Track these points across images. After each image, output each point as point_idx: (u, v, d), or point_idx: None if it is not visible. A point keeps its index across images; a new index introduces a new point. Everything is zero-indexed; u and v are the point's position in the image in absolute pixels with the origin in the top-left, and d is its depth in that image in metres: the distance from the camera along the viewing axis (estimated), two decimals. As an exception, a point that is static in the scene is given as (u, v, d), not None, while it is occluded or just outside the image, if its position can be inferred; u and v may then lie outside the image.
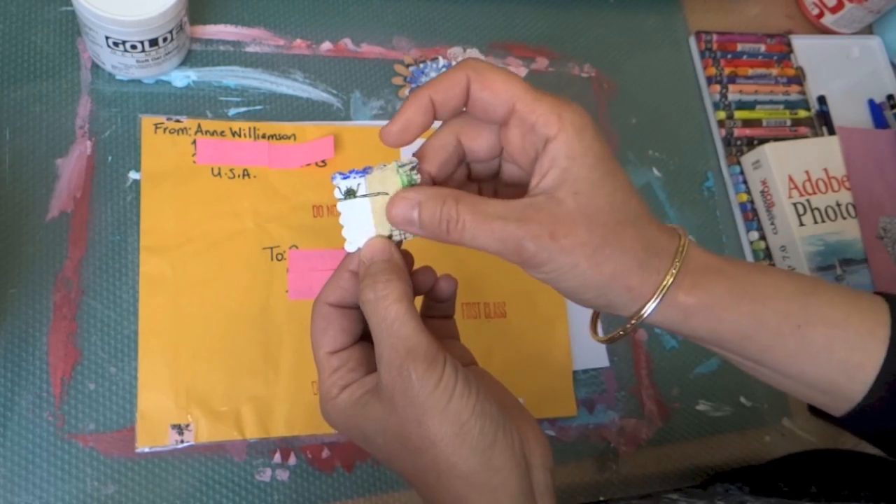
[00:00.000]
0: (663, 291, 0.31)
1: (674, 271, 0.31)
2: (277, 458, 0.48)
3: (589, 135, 0.30)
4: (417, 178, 0.32)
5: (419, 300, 0.36)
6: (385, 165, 0.32)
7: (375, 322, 0.30)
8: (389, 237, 0.33)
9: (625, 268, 0.30)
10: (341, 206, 0.33)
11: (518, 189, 0.33)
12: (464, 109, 0.33)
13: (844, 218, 0.64)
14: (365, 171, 0.33)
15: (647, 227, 0.31)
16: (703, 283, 0.32)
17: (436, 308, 0.37)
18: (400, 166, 0.32)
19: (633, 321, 0.32)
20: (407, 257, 0.34)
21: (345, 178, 0.33)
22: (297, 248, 0.52)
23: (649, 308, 0.31)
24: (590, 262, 0.30)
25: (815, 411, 0.37)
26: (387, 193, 0.32)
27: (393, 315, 0.30)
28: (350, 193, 0.33)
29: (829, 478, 0.50)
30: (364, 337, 0.34)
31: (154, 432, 0.46)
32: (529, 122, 0.31)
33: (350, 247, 0.33)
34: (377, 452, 0.33)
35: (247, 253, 0.51)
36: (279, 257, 0.51)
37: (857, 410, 0.33)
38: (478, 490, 0.29)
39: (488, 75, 0.31)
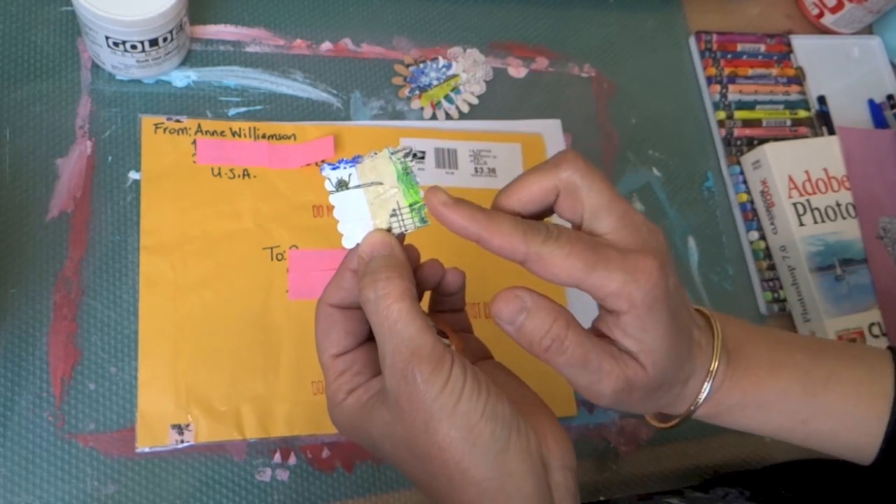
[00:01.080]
0: (707, 394, 0.34)
1: (700, 399, 0.33)
2: (277, 458, 0.48)
3: (659, 307, 0.30)
4: (412, 164, 0.31)
5: (427, 294, 0.36)
6: (376, 153, 0.31)
7: (377, 323, 0.29)
8: (389, 229, 0.31)
9: (666, 400, 0.33)
10: (334, 199, 0.31)
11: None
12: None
13: (844, 218, 0.64)
14: (355, 161, 0.31)
15: (689, 363, 0.33)
16: (714, 401, 0.34)
17: (445, 302, 0.36)
18: (392, 153, 0.31)
19: (685, 415, 0.35)
20: (412, 251, 0.33)
21: (334, 169, 0.31)
22: (297, 248, 0.52)
23: (700, 402, 0.34)
24: (643, 407, 0.33)
25: None
26: (381, 183, 0.31)
27: (395, 315, 0.28)
28: (342, 185, 0.31)
29: (830, 485, 0.49)
30: (370, 338, 0.33)
31: (154, 432, 0.46)
32: (598, 297, 0.30)
33: (347, 242, 0.31)
34: (386, 458, 0.32)
35: (247, 253, 0.51)
36: (279, 257, 0.51)
37: (875, 466, 0.35)
38: (491, 496, 0.28)
39: (549, 261, 0.29)
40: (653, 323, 0.30)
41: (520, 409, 0.30)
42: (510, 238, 0.29)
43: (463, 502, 0.29)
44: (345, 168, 0.31)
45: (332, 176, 0.31)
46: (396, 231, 0.31)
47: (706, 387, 0.33)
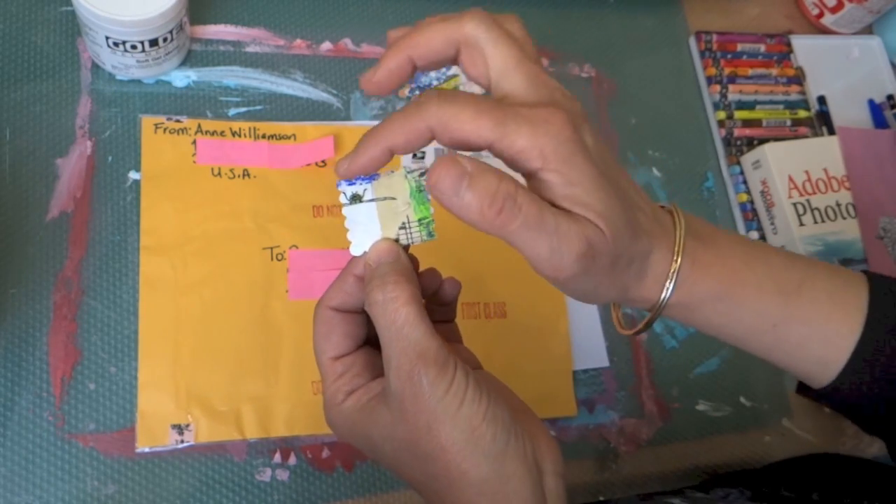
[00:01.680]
0: (661, 305, 0.32)
1: (669, 284, 0.32)
2: (277, 458, 0.48)
3: (578, 158, 0.28)
4: (425, 182, 0.31)
5: None
6: (392, 172, 0.32)
7: (384, 325, 0.29)
8: (396, 240, 0.32)
9: (622, 284, 0.31)
10: (346, 211, 0.32)
11: None
12: None
13: (844, 218, 0.64)
14: (371, 178, 0.32)
15: (640, 210, 0.31)
16: (687, 285, 0.32)
17: (437, 312, 0.36)
18: (408, 172, 0.31)
19: (640, 326, 0.34)
20: (413, 261, 0.33)
21: (350, 185, 0.32)
22: (297, 248, 0.52)
23: (665, 296, 0.32)
24: (604, 277, 0.30)
25: (801, 390, 0.38)
26: (394, 198, 0.32)
27: (403, 318, 0.29)
28: (356, 199, 0.32)
29: (831, 483, 0.49)
30: (368, 342, 0.34)
31: (154, 432, 0.46)
32: (509, 156, 0.28)
33: (355, 250, 0.32)
34: (384, 459, 0.32)
35: (247, 253, 0.51)
36: (279, 257, 0.51)
37: (829, 389, 0.34)
38: (489, 498, 0.29)
39: (452, 125, 0.28)
40: (577, 175, 0.28)
41: (514, 416, 0.31)
42: (416, 122, 0.29)
43: (462, 502, 0.29)
44: (361, 184, 0.32)
45: (347, 191, 0.32)
46: (404, 242, 0.32)
47: (675, 263, 0.31)
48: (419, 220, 0.32)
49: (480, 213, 0.27)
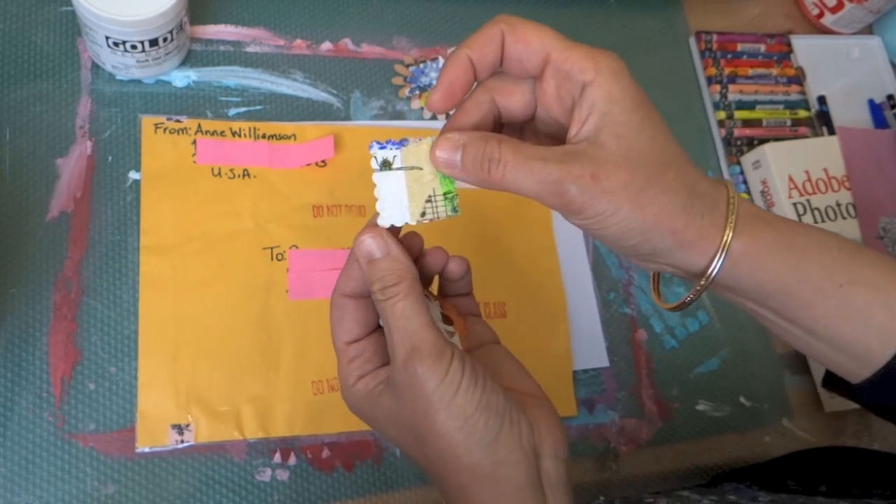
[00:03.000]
0: (726, 248, 0.31)
1: (732, 219, 0.31)
2: (277, 458, 0.48)
3: (626, 78, 0.30)
4: None
5: (435, 280, 0.37)
6: (421, 139, 0.32)
7: (385, 318, 0.31)
8: (423, 213, 0.33)
9: (669, 210, 0.30)
10: (377, 178, 0.32)
11: (556, 143, 0.33)
12: (499, 70, 0.33)
13: (844, 218, 0.64)
14: (402, 143, 0.32)
15: (688, 169, 0.31)
16: (750, 230, 0.31)
17: (452, 287, 0.37)
18: (437, 138, 0.32)
19: (703, 282, 0.32)
20: (415, 239, 0.35)
21: (382, 148, 0.32)
22: (297, 248, 0.52)
23: (717, 265, 0.31)
24: (633, 204, 0.29)
25: (829, 383, 0.37)
26: (421, 168, 0.32)
27: (399, 311, 0.30)
28: (386, 165, 0.33)
29: (838, 475, 0.49)
30: (380, 326, 0.35)
31: (154, 432, 0.46)
32: (564, 70, 0.30)
33: (383, 221, 0.33)
34: (391, 439, 0.33)
35: (247, 253, 0.51)
36: (279, 257, 0.51)
37: (877, 376, 0.33)
38: (481, 482, 0.30)
39: (521, 27, 0.31)
40: (619, 91, 0.30)
41: (517, 399, 0.32)
42: (490, 27, 0.31)
43: (455, 485, 0.30)
44: (391, 149, 0.32)
45: (378, 154, 0.32)
46: (429, 217, 0.33)
47: (733, 200, 0.31)
48: (444, 194, 0.33)
49: (476, 176, 0.31)
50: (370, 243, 0.32)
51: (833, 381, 0.37)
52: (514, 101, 0.33)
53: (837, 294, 0.32)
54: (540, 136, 0.35)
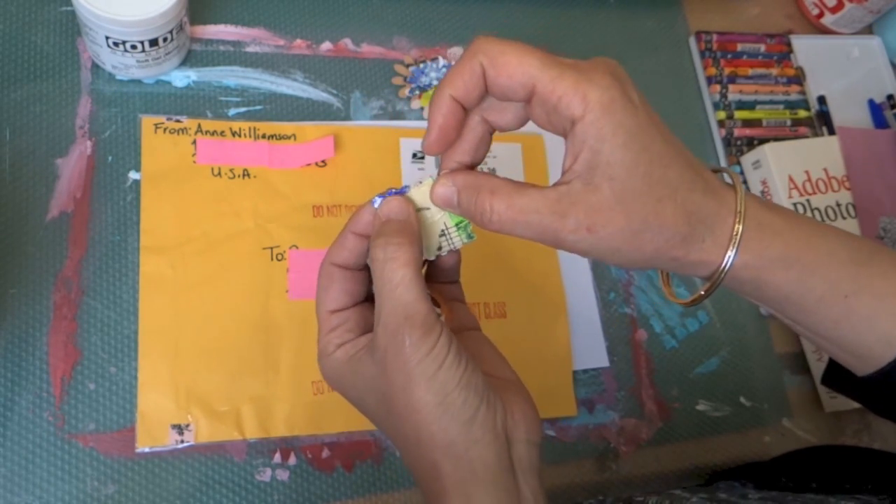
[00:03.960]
0: (728, 264, 0.31)
1: (736, 240, 0.30)
2: (277, 458, 0.48)
3: (618, 110, 0.29)
4: None
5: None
6: (421, 182, 0.33)
7: (380, 282, 0.31)
8: (439, 248, 0.34)
9: (667, 245, 0.30)
10: None
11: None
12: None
13: (844, 218, 0.64)
14: (403, 190, 0.33)
15: (689, 196, 0.30)
16: (756, 245, 0.31)
17: (441, 274, 0.37)
18: (435, 181, 0.33)
19: (702, 292, 0.32)
20: (450, 257, 0.35)
21: (382, 199, 0.33)
22: (297, 248, 0.52)
23: (719, 280, 0.31)
24: (631, 246, 0.30)
25: (828, 381, 0.38)
26: (428, 209, 0.33)
27: (398, 278, 0.30)
28: None
29: (831, 473, 0.49)
30: (365, 300, 0.35)
31: (154, 432, 0.46)
32: (551, 103, 0.29)
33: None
34: (367, 411, 0.33)
35: (247, 253, 0.51)
36: (279, 257, 0.51)
37: (880, 373, 0.33)
38: (454, 461, 0.30)
39: (501, 59, 0.30)
40: (611, 127, 0.29)
41: (494, 383, 0.32)
42: (469, 61, 0.30)
43: (427, 462, 0.30)
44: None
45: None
46: (446, 249, 0.34)
47: (738, 225, 0.31)
48: (456, 224, 0.34)
49: (473, 220, 0.32)
50: (396, 205, 0.32)
51: (831, 380, 0.37)
52: (507, 119, 0.33)
53: (841, 304, 0.32)
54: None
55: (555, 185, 0.30)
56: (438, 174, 0.33)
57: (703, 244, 0.31)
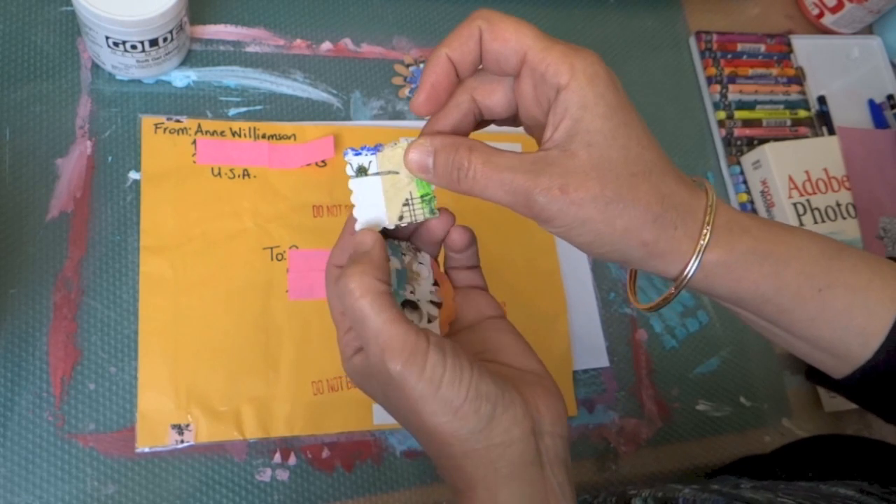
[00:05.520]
0: (700, 253, 0.30)
1: (707, 230, 0.30)
2: (277, 458, 0.48)
3: (602, 83, 0.29)
4: None
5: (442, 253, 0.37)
6: (396, 143, 0.32)
7: (351, 318, 0.30)
8: (400, 217, 0.33)
9: (638, 223, 0.29)
10: (353, 184, 0.33)
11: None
12: (480, 67, 0.32)
13: (844, 218, 0.64)
14: (376, 149, 0.33)
15: (663, 180, 0.30)
16: (726, 241, 0.31)
17: (457, 259, 0.36)
18: (410, 143, 0.32)
19: (672, 290, 0.32)
20: (437, 229, 0.34)
21: (357, 155, 0.33)
22: (297, 248, 0.52)
23: (691, 270, 0.30)
24: (601, 216, 0.29)
25: (812, 376, 0.38)
26: (397, 172, 0.32)
27: (360, 311, 0.29)
28: (361, 171, 0.33)
29: (827, 462, 0.50)
30: None
31: (154, 432, 0.46)
32: (539, 71, 0.30)
33: (360, 227, 0.33)
34: (392, 415, 0.33)
35: (247, 253, 0.51)
36: (279, 257, 0.51)
37: (858, 373, 0.33)
38: (475, 462, 0.29)
39: (499, 24, 0.30)
40: (594, 97, 0.29)
41: (514, 376, 0.31)
42: (469, 24, 0.31)
43: (450, 465, 0.30)
44: (366, 155, 0.33)
45: (353, 161, 0.33)
46: (407, 220, 0.33)
47: (710, 210, 0.30)
48: (422, 196, 0.33)
49: (447, 183, 0.31)
50: (362, 237, 0.32)
51: (816, 374, 0.37)
52: (494, 100, 0.33)
53: (817, 299, 0.32)
54: (532, 131, 0.35)
55: (533, 153, 0.30)
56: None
57: (675, 232, 0.30)
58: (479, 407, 0.29)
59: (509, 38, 0.30)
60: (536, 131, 0.33)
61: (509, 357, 0.33)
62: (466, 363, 0.29)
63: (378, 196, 0.33)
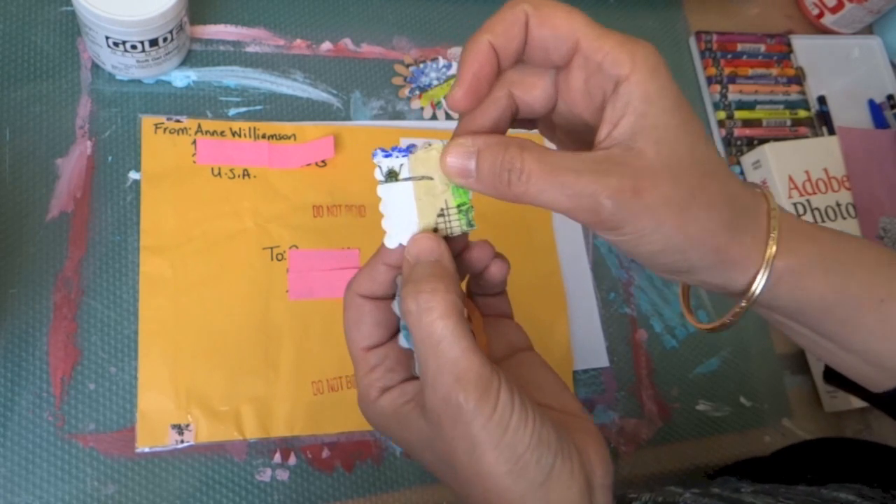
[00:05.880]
0: (771, 259, 0.28)
1: (774, 235, 0.28)
2: (277, 458, 0.48)
3: (664, 75, 0.27)
4: None
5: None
6: (429, 144, 0.29)
7: (419, 339, 0.26)
8: (435, 230, 0.29)
9: (712, 227, 0.27)
10: (382, 191, 0.29)
11: (578, 147, 0.30)
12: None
13: (844, 218, 0.64)
14: (408, 150, 0.29)
15: (729, 179, 0.28)
16: (794, 247, 0.28)
17: (485, 286, 0.33)
18: (447, 144, 0.29)
19: (744, 303, 0.29)
20: (459, 241, 0.31)
21: (387, 156, 0.29)
22: (297, 248, 0.52)
23: (760, 284, 0.28)
24: (675, 221, 0.26)
25: (832, 379, 0.36)
26: (431, 178, 0.29)
27: (438, 333, 0.26)
28: (392, 175, 0.29)
29: (828, 465, 0.49)
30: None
31: (154, 432, 0.46)
32: (595, 61, 0.27)
33: (390, 241, 0.29)
34: (422, 462, 0.30)
35: (247, 253, 0.51)
36: (279, 257, 0.51)
37: None
38: None
39: (547, 9, 0.27)
40: (657, 90, 0.26)
41: (558, 419, 0.28)
42: (512, 8, 0.27)
43: None
44: (397, 157, 0.29)
45: (383, 164, 0.29)
46: (441, 234, 0.30)
47: (774, 212, 0.28)
48: (458, 206, 0.29)
49: (494, 188, 0.27)
50: (426, 244, 0.28)
51: (835, 376, 0.35)
52: (535, 95, 0.29)
53: (877, 310, 0.30)
54: (556, 133, 0.32)
55: (592, 152, 0.27)
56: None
57: (745, 237, 0.28)
58: (541, 456, 0.26)
59: (559, 23, 0.27)
60: (575, 128, 0.30)
61: (547, 396, 0.30)
62: (529, 406, 0.26)
63: (409, 205, 0.29)
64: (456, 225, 0.29)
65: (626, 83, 0.26)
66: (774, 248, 0.28)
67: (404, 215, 0.29)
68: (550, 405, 0.30)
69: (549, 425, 0.26)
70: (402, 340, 0.30)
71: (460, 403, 0.25)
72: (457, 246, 0.30)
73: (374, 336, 0.31)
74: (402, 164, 0.29)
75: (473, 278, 0.33)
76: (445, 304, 0.26)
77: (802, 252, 0.29)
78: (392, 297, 0.31)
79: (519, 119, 0.31)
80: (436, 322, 0.26)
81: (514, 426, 0.26)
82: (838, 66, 0.74)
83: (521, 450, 0.26)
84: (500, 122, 0.29)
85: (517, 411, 0.26)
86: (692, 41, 0.71)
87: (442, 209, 0.29)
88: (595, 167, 0.26)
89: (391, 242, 0.29)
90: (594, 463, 0.27)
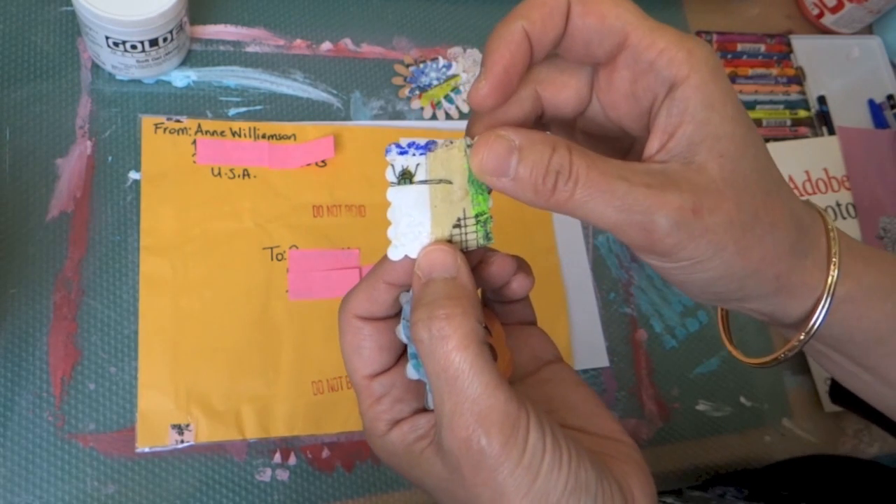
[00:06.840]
0: (831, 290, 0.25)
1: (835, 260, 0.25)
2: (277, 458, 0.48)
3: (724, 78, 0.23)
4: None
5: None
6: (450, 142, 0.25)
7: (433, 371, 0.23)
8: (449, 240, 0.25)
9: (777, 252, 0.24)
10: (392, 195, 0.25)
11: (606, 156, 0.25)
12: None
13: (844, 218, 0.64)
14: (427, 147, 0.25)
15: (791, 196, 0.25)
16: (852, 273, 0.26)
17: (503, 297, 0.29)
18: (469, 145, 0.24)
19: (802, 336, 0.26)
20: (474, 254, 0.26)
21: (402, 153, 0.25)
22: (297, 248, 0.52)
23: (821, 315, 0.25)
24: (737, 246, 0.23)
25: (838, 399, 0.34)
26: (450, 182, 0.24)
27: (456, 367, 0.22)
28: (405, 177, 0.25)
29: (828, 484, 0.49)
30: None
31: (154, 432, 0.46)
32: (647, 59, 0.24)
33: (394, 253, 0.25)
34: (437, 501, 0.27)
35: (247, 253, 0.51)
36: (279, 257, 0.51)
37: None
38: None
39: (597, 3, 0.24)
40: (721, 95, 0.23)
41: (596, 447, 0.25)
42: (548, 4, 0.24)
43: None
44: (414, 155, 0.25)
45: (397, 162, 0.25)
46: (457, 242, 0.26)
47: (834, 242, 0.25)
48: (476, 215, 0.25)
49: (535, 192, 0.23)
50: (441, 258, 0.24)
51: (842, 396, 0.33)
52: (565, 95, 0.26)
53: None
54: (576, 137, 0.28)
55: (645, 164, 0.23)
56: (475, 140, 0.24)
57: (806, 262, 0.25)
58: (579, 501, 0.22)
59: (607, 13, 0.24)
60: (608, 135, 0.27)
61: (580, 418, 0.27)
62: (563, 444, 0.23)
63: (423, 212, 0.25)
64: (472, 238, 0.25)
65: (684, 86, 0.23)
66: (836, 274, 0.25)
67: (415, 224, 0.25)
68: (584, 428, 0.26)
69: (586, 462, 0.23)
70: (410, 371, 0.26)
71: (483, 448, 0.22)
72: (472, 260, 0.26)
73: (378, 362, 0.27)
74: (418, 164, 0.25)
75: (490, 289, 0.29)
76: (463, 332, 0.22)
77: (863, 279, 0.26)
78: (395, 315, 0.27)
79: (542, 122, 0.27)
80: (452, 353, 0.22)
81: (547, 471, 0.22)
82: (838, 66, 0.74)
83: (554, 497, 0.22)
84: (522, 125, 0.25)
85: (549, 452, 0.22)
86: (692, 41, 0.71)
87: (459, 219, 0.25)
88: (650, 180, 0.22)
89: (396, 254, 0.25)
90: (638, 497, 0.24)
